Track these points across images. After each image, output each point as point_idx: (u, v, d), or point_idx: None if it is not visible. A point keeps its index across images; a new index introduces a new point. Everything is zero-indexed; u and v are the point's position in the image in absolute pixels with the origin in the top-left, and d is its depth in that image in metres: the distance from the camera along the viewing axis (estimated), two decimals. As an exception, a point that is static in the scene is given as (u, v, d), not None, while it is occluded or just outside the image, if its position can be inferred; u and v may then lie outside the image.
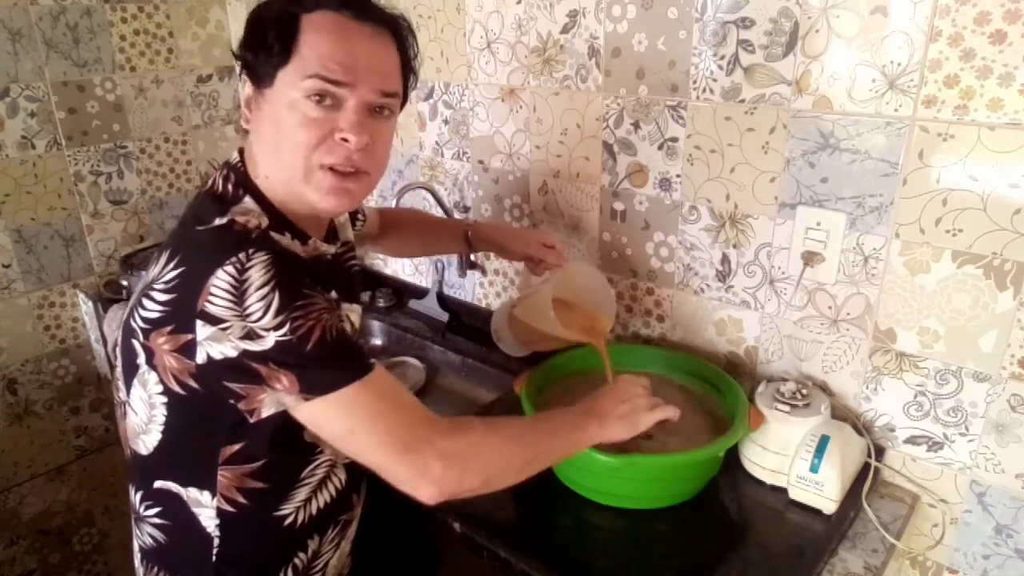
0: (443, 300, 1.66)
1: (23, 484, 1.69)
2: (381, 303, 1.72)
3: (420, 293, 1.70)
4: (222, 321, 0.71)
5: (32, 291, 1.62)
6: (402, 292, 1.75)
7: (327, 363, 0.74)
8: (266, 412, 0.78)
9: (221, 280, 0.71)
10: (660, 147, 1.19)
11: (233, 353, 0.72)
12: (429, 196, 1.55)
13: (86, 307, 1.69)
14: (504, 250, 1.23)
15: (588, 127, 1.28)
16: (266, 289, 0.71)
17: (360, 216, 1.20)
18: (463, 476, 0.79)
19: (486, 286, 1.59)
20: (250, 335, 0.71)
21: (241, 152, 0.87)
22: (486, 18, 1.35)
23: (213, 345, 0.72)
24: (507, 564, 0.94)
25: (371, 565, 1.05)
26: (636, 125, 1.21)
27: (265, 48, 0.78)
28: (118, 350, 0.86)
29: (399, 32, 0.85)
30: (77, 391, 1.74)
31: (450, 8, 1.40)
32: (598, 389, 0.98)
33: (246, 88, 0.83)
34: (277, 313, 0.71)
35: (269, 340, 0.71)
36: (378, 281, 1.79)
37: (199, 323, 0.72)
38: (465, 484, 0.79)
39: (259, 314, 0.71)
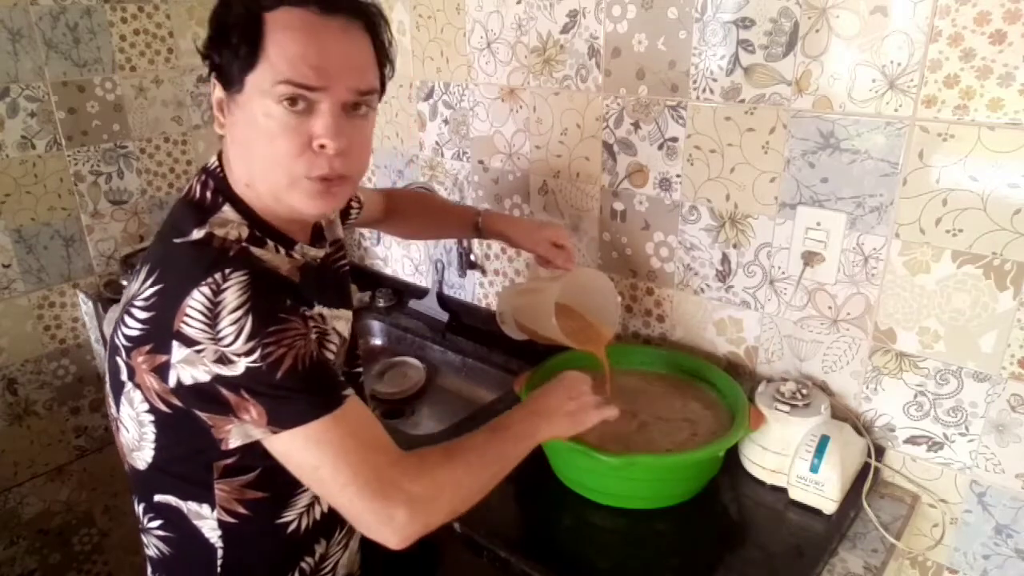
0: (443, 300, 1.66)
1: (23, 484, 1.69)
2: (381, 303, 1.72)
3: (420, 293, 1.70)
4: (196, 343, 0.69)
5: (32, 291, 1.62)
6: (402, 292, 1.75)
7: (296, 394, 0.72)
8: (233, 443, 0.75)
9: (196, 301, 0.69)
10: (660, 147, 1.19)
11: (206, 378, 0.70)
12: (429, 196, 1.55)
13: (86, 307, 1.69)
14: (513, 243, 1.21)
15: (588, 127, 1.28)
16: (239, 312, 0.69)
17: (355, 204, 1.15)
18: (429, 519, 0.76)
19: (486, 286, 1.59)
20: (222, 359, 0.69)
21: (219, 156, 0.83)
22: (486, 18, 1.35)
23: (186, 368, 0.71)
24: (507, 564, 0.94)
25: (377, 561, 1.05)
26: (636, 125, 1.21)
27: (230, 50, 0.73)
28: (106, 364, 0.84)
29: (371, 22, 0.79)
30: (77, 391, 1.74)
31: (450, 8, 1.40)
32: (545, 384, 0.96)
33: (216, 90, 0.78)
34: (249, 338, 0.69)
35: (240, 366, 0.69)
36: (378, 281, 1.79)
37: (175, 344, 0.70)
38: (431, 524, 0.77)
39: (231, 338, 0.69)
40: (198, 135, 1.83)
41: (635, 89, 1.19)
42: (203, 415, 0.73)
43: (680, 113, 1.15)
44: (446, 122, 1.52)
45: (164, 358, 0.72)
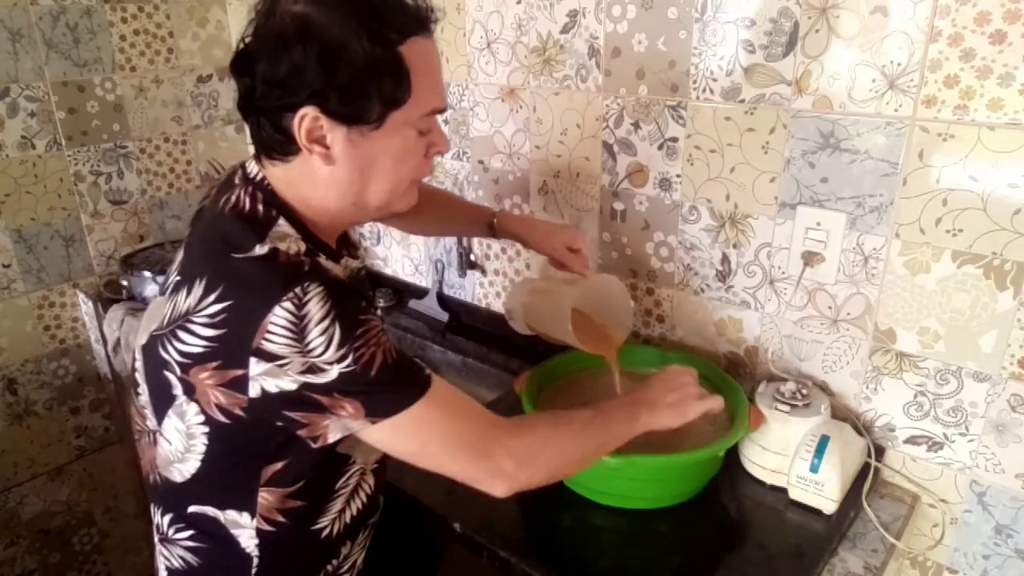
0: (443, 300, 1.66)
1: (23, 484, 1.69)
2: (381, 303, 1.72)
3: (420, 293, 1.70)
4: (281, 358, 0.70)
5: (32, 291, 1.62)
6: (402, 292, 1.75)
7: (390, 386, 0.74)
8: (332, 437, 0.77)
9: (279, 318, 0.69)
10: (660, 147, 1.19)
11: (292, 387, 0.71)
12: (429, 196, 1.55)
13: (86, 307, 1.69)
14: (528, 245, 1.20)
15: (588, 127, 1.28)
16: (326, 323, 0.70)
17: None
18: (532, 472, 0.82)
19: (486, 286, 1.59)
20: (312, 369, 0.70)
21: (257, 168, 0.82)
22: (486, 18, 1.35)
23: (268, 380, 0.71)
24: (507, 564, 0.94)
25: (380, 557, 1.05)
26: (636, 125, 1.21)
27: (377, 92, 0.74)
28: (139, 376, 0.83)
29: None
30: (77, 391, 1.74)
31: (450, 8, 1.40)
32: (648, 379, 0.99)
33: (307, 121, 0.74)
34: (340, 346, 0.70)
35: (332, 372, 0.71)
36: (378, 281, 1.79)
37: (253, 360, 0.70)
38: (535, 478, 0.82)
39: (321, 349, 0.70)
40: (198, 135, 1.83)
41: (635, 89, 1.19)
42: (296, 415, 0.74)
43: (680, 113, 1.15)
44: (446, 122, 1.52)
45: (238, 372, 0.71)
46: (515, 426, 0.84)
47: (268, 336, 0.70)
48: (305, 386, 0.71)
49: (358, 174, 0.79)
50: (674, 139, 1.17)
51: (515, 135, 1.40)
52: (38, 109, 1.55)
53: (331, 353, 0.70)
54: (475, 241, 1.56)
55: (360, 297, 0.77)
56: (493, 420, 0.82)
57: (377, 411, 0.74)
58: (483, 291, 1.60)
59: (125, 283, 1.62)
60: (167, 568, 0.88)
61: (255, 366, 0.71)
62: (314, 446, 0.77)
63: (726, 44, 1.06)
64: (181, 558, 0.86)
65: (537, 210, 1.42)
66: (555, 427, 0.86)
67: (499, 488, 0.80)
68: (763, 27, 1.02)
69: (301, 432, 0.76)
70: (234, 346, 0.71)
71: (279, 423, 0.75)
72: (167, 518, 0.86)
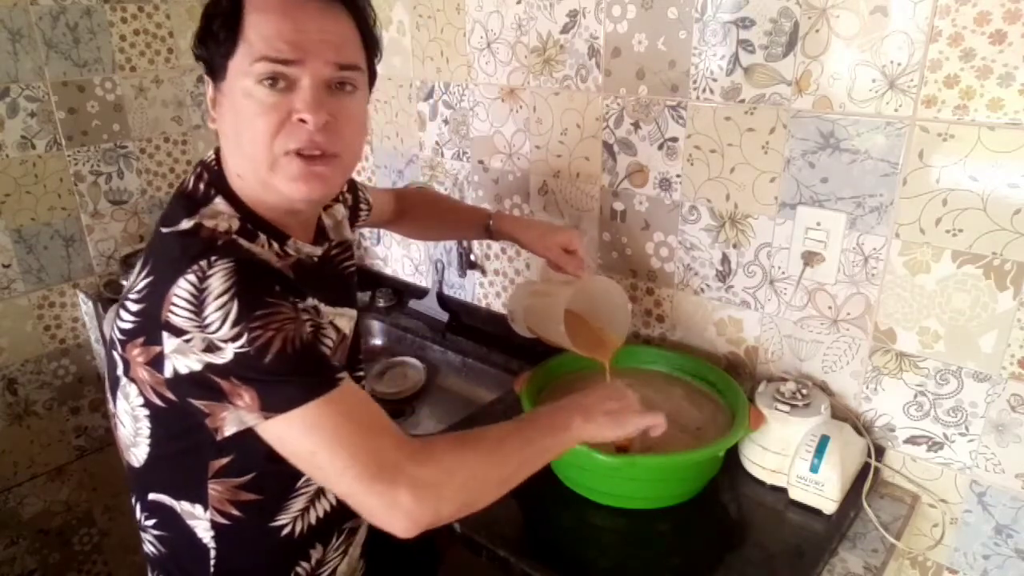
0: (443, 300, 1.66)
1: (23, 484, 1.69)
2: (381, 303, 1.72)
3: (420, 293, 1.70)
4: (184, 332, 0.69)
5: (32, 291, 1.62)
6: (402, 292, 1.75)
7: (287, 377, 0.69)
8: (228, 431, 0.73)
9: (182, 289, 0.69)
10: (660, 147, 1.19)
11: (198, 367, 0.69)
12: (429, 196, 1.55)
13: (86, 307, 1.69)
14: (524, 246, 1.19)
15: (588, 127, 1.28)
16: (225, 298, 0.68)
17: (363, 206, 1.15)
18: (438, 505, 0.72)
19: (486, 286, 1.59)
20: (211, 347, 0.68)
21: (217, 151, 0.83)
22: (486, 18, 1.35)
23: (179, 358, 0.70)
24: (507, 564, 0.94)
25: (380, 567, 1.04)
26: (636, 125, 1.21)
27: (213, 40, 0.75)
28: (105, 361, 0.85)
29: (351, 2, 0.79)
30: (77, 391, 1.74)
31: (450, 8, 1.40)
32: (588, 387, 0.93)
33: (209, 88, 0.80)
34: (235, 323, 0.67)
35: (228, 352, 0.68)
36: (378, 281, 1.79)
37: (165, 335, 0.70)
38: (442, 513, 0.72)
39: (217, 324, 0.67)
40: (198, 135, 1.83)
41: (635, 89, 1.19)
42: (200, 403, 0.72)
43: (680, 113, 1.15)
44: (446, 122, 1.52)
45: (158, 349, 0.71)
46: (418, 451, 0.73)
47: (172, 308, 0.69)
48: (208, 367, 0.69)
49: (228, 138, 0.79)
50: (674, 139, 1.17)
51: (515, 135, 1.40)
52: (38, 109, 1.55)
53: (226, 330, 0.67)
54: (475, 241, 1.56)
55: (277, 282, 0.73)
56: (397, 441, 0.73)
57: (272, 404, 0.69)
58: (483, 291, 1.60)
59: (125, 283, 1.62)
60: (146, 553, 0.89)
61: (167, 342, 0.70)
62: (217, 438, 0.74)
63: (726, 44, 1.06)
64: (152, 545, 0.86)
65: (537, 210, 1.42)
66: (460, 451, 0.75)
67: (398, 525, 0.70)
68: (763, 27, 1.02)
69: (206, 422, 0.73)
70: (152, 320, 0.71)
71: (195, 415, 0.73)
72: (138, 505, 0.86)
